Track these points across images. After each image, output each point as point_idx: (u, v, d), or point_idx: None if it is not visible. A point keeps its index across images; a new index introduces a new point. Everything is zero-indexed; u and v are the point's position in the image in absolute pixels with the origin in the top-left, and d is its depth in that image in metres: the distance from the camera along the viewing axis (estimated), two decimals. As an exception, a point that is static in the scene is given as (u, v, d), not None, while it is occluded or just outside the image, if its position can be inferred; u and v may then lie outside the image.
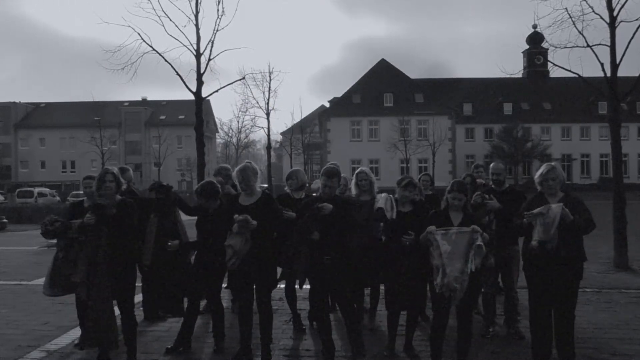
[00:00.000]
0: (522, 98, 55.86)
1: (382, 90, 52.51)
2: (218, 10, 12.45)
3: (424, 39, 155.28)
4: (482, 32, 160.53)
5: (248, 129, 60.71)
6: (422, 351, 5.18)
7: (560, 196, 4.79)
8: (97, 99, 58.38)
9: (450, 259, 4.55)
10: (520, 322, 5.76)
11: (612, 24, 10.26)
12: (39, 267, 5.44)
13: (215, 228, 5.08)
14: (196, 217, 5.44)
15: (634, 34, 10.17)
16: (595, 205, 6.55)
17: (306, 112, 65.38)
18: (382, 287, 5.67)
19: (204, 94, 12.24)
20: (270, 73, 45.90)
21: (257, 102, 52.24)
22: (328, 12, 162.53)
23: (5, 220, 23.43)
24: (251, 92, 62.15)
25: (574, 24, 10.45)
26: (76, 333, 5.78)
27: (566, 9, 10.49)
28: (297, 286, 6.04)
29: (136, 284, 5.16)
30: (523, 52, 59.45)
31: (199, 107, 12.00)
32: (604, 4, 10.32)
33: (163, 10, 12.39)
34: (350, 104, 52.88)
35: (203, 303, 6.15)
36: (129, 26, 12.42)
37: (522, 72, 52.05)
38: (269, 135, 47.78)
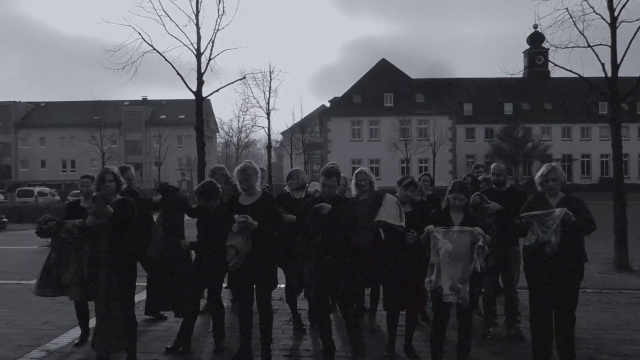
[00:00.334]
0: (523, 98, 55.84)
1: (383, 90, 52.50)
2: (219, 10, 12.43)
3: (424, 39, 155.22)
4: (483, 32, 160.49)
5: (248, 128, 60.79)
6: (422, 351, 5.17)
7: (561, 197, 4.79)
8: (97, 99, 58.47)
9: (453, 259, 4.55)
10: (521, 322, 5.75)
11: (613, 24, 10.26)
12: (39, 267, 5.43)
13: (216, 228, 5.07)
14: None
15: (635, 34, 10.17)
16: (595, 206, 6.54)
17: (306, 111, 65.47)
18: (381, 287, 5.67)
19: (204, 94, 12.22)
20: (270, 73, 45.99)
21: (258, 102, 52.23)
22: (328, 12, 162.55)
23: (5, 220, 23.44)
24: (251, 92, 62.27)
25: (574, 24, 10.46)
26: (76, 332, 5.78)
27: (567, 9, 10.49)
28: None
29: (136, 284, 5.15)
30: (524, 52, 59.44)
31: (200, 107, 11.97)
32: (605, 4, 10.32)
33: (164, 10, 12.37)
34: (350, 104, 52.88)
35: (203, 303, 6.16)
36: (130, 25, 12.39)
37: (522, 72, 52.05)
38: (269, 134, 47.83)
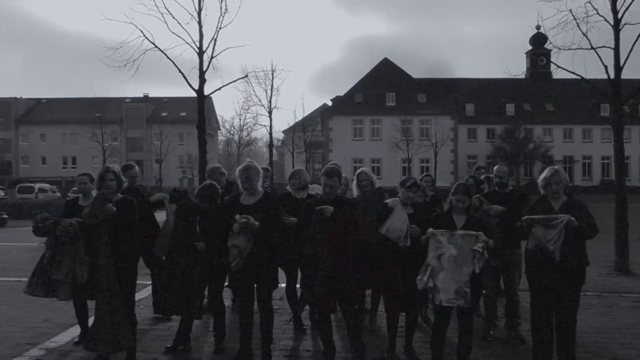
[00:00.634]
0: (525, 99, 55.77)
1: (385, 89, 52.45)
2: (221, 8, 12.43)
3: (426, 38, 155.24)
4: (484, 31, 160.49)
5: (250, 126, 60.77)
6: (423, 353, 5.16)
7: (564, 200, 4.77)
8: (98, 95, 58.44)
9: (458, 264, 4.54)
10: (521, 325, 5.73)
11: (617, 26, 10.24)
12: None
13: (217, 228, 5.06)
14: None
15: (638, 36, 10.14)
16: (596, 208, 6.53)
17: (308, 110, 65.52)
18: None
19: (206, 92, 12.22)
20: (272, 71, 45.98)
21: (260, 100, 52.27)
22: (329, 11, 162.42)
23: (5, 216, 23.42)
24: (253, 90, 62.33)
25: (578, 26, 10.43)
26: (76, 331, 5.78)
27: (570, 10, 10.48)
28: (298, 285, 6.07)
29: (137, 282, 5.15)
30: (526, 53, 59.39)
31: (201, 105, 11.97)
32: (609, 6, 10.29)
33: (166, 7, 12.42)
34: (352, 103, 52.83)
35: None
36: (131, 23, 12.40)
37: (525, 73, 51.99)
38: (271, 133, 47.88)
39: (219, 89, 12.84)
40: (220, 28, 12.23)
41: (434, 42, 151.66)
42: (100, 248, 4.70)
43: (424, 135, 50.67)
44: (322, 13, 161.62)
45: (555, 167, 4.88)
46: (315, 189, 6.12)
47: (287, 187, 6.29)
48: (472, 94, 55.99)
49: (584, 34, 10.38)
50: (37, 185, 42.56)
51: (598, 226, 4.69)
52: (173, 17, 12.26)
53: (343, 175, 6.33)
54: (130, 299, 5.16)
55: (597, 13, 10.30)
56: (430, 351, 4.92)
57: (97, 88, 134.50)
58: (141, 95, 68.20)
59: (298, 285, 6.08)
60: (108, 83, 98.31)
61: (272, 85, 47.64)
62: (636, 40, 10.20)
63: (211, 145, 64.54)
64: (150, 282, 6.89)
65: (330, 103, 59.91)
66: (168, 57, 12.37)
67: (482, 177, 6.81)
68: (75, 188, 5.41)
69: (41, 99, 69.09)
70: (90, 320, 5.25)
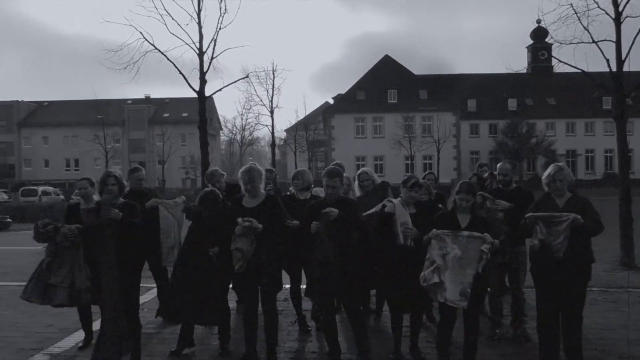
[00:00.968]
0: (527, 93, 55.64)
1: (386, 86, 52.36)
2: (220, 8, 12.44)
3: (426, 35, 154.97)
4: (485, 27, 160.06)
5: (252, 126, 60.80)
6: (429, 353, 5.13)
7: (568, 196, 4.74)
8: (100, 97, 58.58)
9: (462, 265, 4.50)
10: (527, 323, 5.70)
11: (618, 19, 10.17)
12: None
13: (219, 231, 5.03)
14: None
15: (640, 29, 10.07)
16: (600, 202, 6.47)
17: (310, 109, 65.41)
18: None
19: (207, 93, 12.20)
20: (273, 71, 45.99)
21: (261, 100, 52.28)
22: (329, 8, 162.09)
23: (8, 220, 23.44)
24: (255, 90, 62.26)
25: (579, 19, 10.39)
26: (80, 336, 5.75)
27: (571, 4, 10.42)
28: (303, 286, 6.05)
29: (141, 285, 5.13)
30: (527, 47, 59.23)
31: (203, 107, 11.95)
32: (609, -1, 10.23)
33: (165, 9, 12.38)
34: (354, 101, 52.77)
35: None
36: (131, 25, 12.39)
37: (526, 67, 51.85)
38: (273, 133, 47.91)
39: (220, 89, 12.86)
40: (220, 29, 12.23)
41: (434, 38, 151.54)
42: (105, 253, 4.68)
43: (426, 131, 50.59)
44: (322, 11, 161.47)
45: (559, 163, 4.84)
46: (318, 193, 6.08)
47: (290, 188, 6.26)
48: (474, 90, 55.87)
49: (585, 28, 10.34)
50: (40, 188, 42.58)
51: (603, 222, 4.65)
52: (172, 19, 12.26)
53: (345, 175, 6.32)
54: (135, 303, 5.16)
55: (598, 6, 10.25)
56: (436, 351, 4.88)
57: (98, 90, 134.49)
58: (142, 96, 68.20)
59: (303, 286, 6.08)
60: (109, 84, 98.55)
61: (273, 85, 47.76)
62: (638, 33, 10.13)
63: (213, 146, 64.53)
64: (153, 285, 6.88)
65: (332, 101, 59.91)
66: (168, 59, 12.37)
67: (486, 175, 6.77)
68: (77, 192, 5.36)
69: (43, 101, 69.16)
70: (95, 325, 5.24)
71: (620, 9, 10.13)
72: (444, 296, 4.58)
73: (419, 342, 5.21)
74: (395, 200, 5.14)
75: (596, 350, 5.24)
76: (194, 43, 11.95)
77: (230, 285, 5.53)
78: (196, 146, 16.02)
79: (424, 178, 7.12)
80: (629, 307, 6.93)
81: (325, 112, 56.95)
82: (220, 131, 72.03)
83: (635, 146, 49.02)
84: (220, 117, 71.34)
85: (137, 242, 5.01)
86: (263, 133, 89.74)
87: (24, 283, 5.22)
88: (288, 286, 6.15)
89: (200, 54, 11.90)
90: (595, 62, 10.92)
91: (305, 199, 5.87)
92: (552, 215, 4.54)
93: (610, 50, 10.35)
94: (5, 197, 40.72)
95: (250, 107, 56.66)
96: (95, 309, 5.16)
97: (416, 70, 55.96)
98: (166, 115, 65.09)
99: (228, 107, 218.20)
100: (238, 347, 5.24)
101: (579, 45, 10.69)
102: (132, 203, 4.89)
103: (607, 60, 10.26)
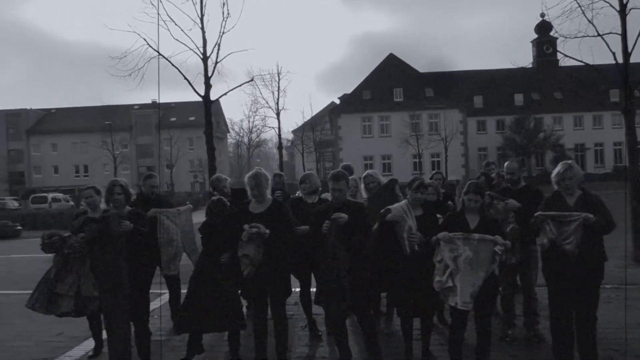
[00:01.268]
0: (533, 88, 55.22)
1: (392, 85, 52.20)
2: (223, 13, 12.43)
3: (430, 32, 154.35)
4: (488, 22, 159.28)
5: (259, 128, 60.88)
6: (441, 356, 5.08)
7: (578, 194, 4.67)
8: (107, 103, 58.88)
9: (474, 267, 4.44)
10: (540, 323, 5.63)
11: (623, 11, 10.06)
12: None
13: (227, 238, 5.00)
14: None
15: (646, 21, 9.96)
16: (610, 196, 6.37)
17: (316, 109, 65.47)
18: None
19: (212, 97, 12.21)
20: (278, 73, 46.05)
21: (267, 102, 52.37)
22: (332, 8, 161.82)
23: (19, 228, 23.57)
24: (260, 93, 62.40)
25: (583, 13, 10.28)
26: (90, 344, 5.75)
27: (575, -3, 10.31)
28: (313, 289, 6.01)
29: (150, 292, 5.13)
30: (532, 42, 58.83)
31: (208, 111, 11.96)
32: (614, -9, 10.11)
33: (168, 15, 12.39)
34: (360, 100, 52.66)
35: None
36: (135, 32, 12.42)
37: (531, 62, 51.50)
38: (279, 135, 47.96)
39: (225, 94, 12.88)
40: (223, 33, 12.23)
41: (438, 36, 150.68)
42: (117, 262, 4.69)
43: (434, 129, 50.37)
44: (324, 11, 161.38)
45: (569, 161, 4.77)
46: (327, 197, 6.05)
47: (298, 192, 6.23)
48: (480, 86, 55.55)
49: (589, 21, 10.23)
50: (50, 195, 42.86)
51: (614, 218, 4.57)
52: (176, 24, 12.28)
53: (352, 177, 6.27)
54: (144, 311, 5.16)
55: (602, -1, 10.13)
56: (448, 354, 4.83)
57: (105, 95, 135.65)
58: (149, 101, 68.47)
59: (313, 289, 6.04)
60: (117, 89, 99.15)
61: (278, 87, 47.76)
62: (644, 25, 10.02)
63: (221, 149, 64.66)
64: (163, 292, 6.86)
65: (338, 101, 59.84)
66: (173, 65, 12.38)
67: (494, 174, 6.70)
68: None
69: (50, 109, 69.66)
70: (104, 334, 5.23)
71: (625, 1, 10.02)
72: (455, 300, 4.52)
73: (431, 344, 5.15)
74: (401, 203, 5.08)
75: (612, 350, 5.16)
76: (197, 48, 11.98)
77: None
78: (204, 149, 16.06)
79: (431, 178, 7.07)
80: (644, 304, 6.82)
81: (331, 112, 56.89)
82: (228, 134, 72.17)
83: (644, 139, 48.52)
84: (227, 120, 71.49)
85: (146, 249, 5.01)
86: (270, 135, 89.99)
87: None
88: (298, 289, 6.11)
89: (204, 58, 11.90)
90: (601, 55, 10.81)
91: (313, 203, 5.83)
92: (562, 214, 4.48)
93: (616, 43, 10.23)
94: (16, 204, 41.03)
95: (257, 110, 56.80)
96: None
97: (421, 68, 55.82)
98: (173, 119, 65.28)
99: (235, 110, 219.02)
100: (248, 354, 5.20)
101: (584, 39, 10.57)
102: (138, 211, 4.90)
103: (614, 54, 10.14)
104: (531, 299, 5.69)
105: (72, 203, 41.97)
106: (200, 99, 12.45)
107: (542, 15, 41.70)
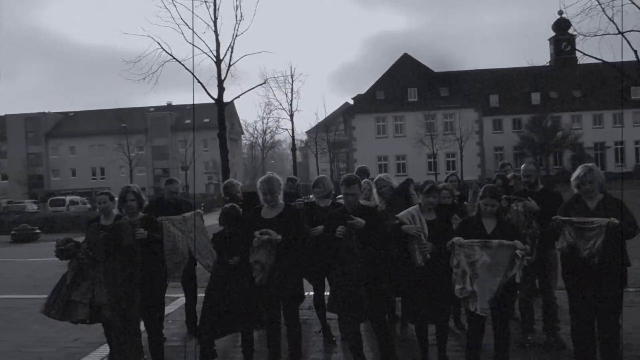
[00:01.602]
0: (551, 86, 54.53)
1: (406, 85, 51.91)
2: (236, 16, 12.52)
3: (445, 31, 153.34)
4: (505, 20, 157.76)
5: (273, 130, 60.97)
6: (458, 362, 4.98)
7: (599, 198, 4.54)
8: (123, 106, 59.43)
9: (492, 272, 4.34)
10: (561, 328, 5.48)
11: (645, 8, 9.86)
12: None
13: (239, 244, 4.96)
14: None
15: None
16: (631, 196, 6.20)
17: (330, 110, 65.38)
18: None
19: (226, 99, 12.22)
20: (292, 75, 46.08)
21: (280, 104, 52.43)
22: (345, 8, 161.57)
23: (37, 231, 23.79)
24: (274, 95, 62.49)
25: (603, 10, 10.13)
26: (105, 350, 5.74)
27: (595, -5, 10.13)
28: (326, 293, 5.94)
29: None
30: (549, 40, 58.13)
31: (221, 114, 11.98)
32: (636, -12, 9.93)
33: (182, 18, 12.44)
34: (374, 101, 52.45)
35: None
36: (149, 36, 12.50)
37: (549, 61, 50.91)
38: (293, 137, 47.94)
39: (238, 96, 12.92)
40: (236, 36, 12.26)
41: (453, 35, 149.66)
42: (133, 268, 4.68)
43: (449, 129, 49.96)
44: (338, 11, 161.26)
45: (589, 164, 4.63)
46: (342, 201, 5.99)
47: (311, 196, 6.18)
48: (496, 85, 55.03)
49: (610, 19, 10.07)
50: (67, 198, 43.34)
51: (637, 223, 4.44)
52: (189, 28, 12.32)
53: (365, 179, 6.20)
54: (158, 317, 5.14)
55: (624, -4, 9.95)
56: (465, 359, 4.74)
57: (120, 98, 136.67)
58: (164, 103, 69.01)
59: (327, 293, 5.97)
60: (132, 92, 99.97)
61: (292, 89, 47.78)
62: (667, 22, 9.81)
63: (235, 150, 64.95)
64: (177, 296, 6.86)
65: (351, 102, 59.74)
66: (186, 68, 12.48)
67: (509, 175, 6.57)
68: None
69: (68, 112, 70.57)
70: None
71: (647, -2, 9.83)
72: (474, 305, 4.43)
73: (448, 350, 5.04)
74: (410, 209, 4.97)
75: (637, 358, 5.01)
76: (211, 51, 12.01)
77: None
78: (218, 151, 16.13)
79: (446, 180, 6.96)
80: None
81: (345, 113, 56.76)
82: (242, 135, 72.39)
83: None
84: (242, 121, 71.73)
85: (160, 255, 4.99)
86: (284, 136, 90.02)
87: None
88: (312, 293, 6.05)
89: (218, 61, 11.92)
90: (619, 52, 10.61)
91: (326, 207, 5.76)
92: (583, 220, 4.35)
93: (637, 40, 10.05)
94: (35, 207, 41.56)
95: (270, 112, 56.89)
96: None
97: (437, 67, 55.42)
98: (188, 121, 65.69)
99: (249, 111, 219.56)
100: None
101: (604, 37, 10.39)
102: (151, 217, 4.88)
103: (635, 51, 9.96)
104: (551, 304, 5.55)
105: (89, 206, 42.41)
106: (213, 101, 12.47)
107: (560, 12, 41.08)
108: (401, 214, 4.94)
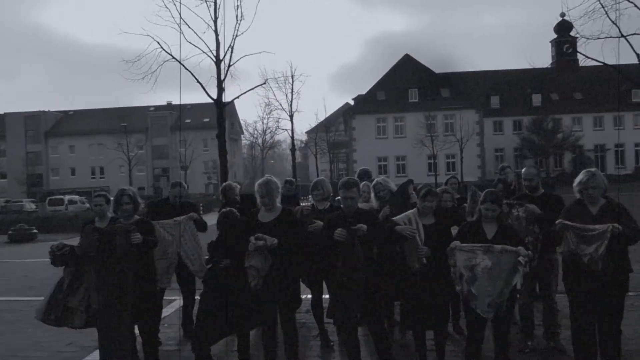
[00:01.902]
0: (552, 88, 54.47)
1: (407, 85, 51.85)
2: (237, 16, 12.54)
3: (446, 32, 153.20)
4: (506, 21, 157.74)
5: (272, 130, 60.92)
6: (457, 368, 4.91)
7: (602, 203, 4.48)
8: (123, 105, 59.34)
9: (493, 277, 4.28)
10: (561, 334, 5.42)
11: (648, 11, 9.80)
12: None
13: (236, 247, 4.89)
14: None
15: (672, 20, 9.70)
16: (631, 198, 6.13)
17: (330, 110, 65.35)
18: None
19: (226, 99, 12.17)
20: (292, 75, 46.04)
21: (280, 105, 52.40)
22: (346, 8, 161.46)
23: (34, 231, 23.63)
24: (274, 95, 62.39)
25: (606, 13, 10.07)
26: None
27: (598, -2, 10.08)
28: (325, 296, 5.87)
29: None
30: (551, 42, 58.07)
31: (220, 115, 11.92)
32: (639, -9, 9.87)
33: (182, 18, 12.38)
34: (374, 101, 52.39)
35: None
36: (148, 35, 12.44)
37: (550, 63, 50.83)
38: (292, 137, 47.93)
39: (238, 97, 12.84)
40: (236, 35, 12.22)
41: (454, 36, 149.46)
42: (122, 273, 4.61)
43: (449, 130, 49.92)
44: (339, 11, 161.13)
45: (592, 169, 4.57)
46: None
47: (309, 198, 6.11)
48: (497, 86, 54.99)
49: (613, 22, 10.02)
50: (66, 197, 43.17)
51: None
52: (189, 27, 12.30)
53: (364, 182, 6.14)
54: (154, 322, 5.08)
55: (627, -1, 9.89)
56: (465, 366, 4.67)
57: (121, 97, 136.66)
58: (165, 102, 68.87)
59: (325, 296, 5.91)
60: (132, 91, 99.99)
61: (292, 89, 47.73)
62: (669, 25, 9.75)
63: (235, 150, 64.87)
64: (174, 298, 6.77)
65: (352, 102, 59.70)
66: (186, 68, 12.44)
67: (510, 177, 6.48)
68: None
69: (68, 111, 70.46)
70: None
71: (650, 0, 9.77)
72: (475, 304, 4.38)
73: (446, 355, 4.98)
74: (407, 213, 4.90)
75: (637, 364, 4.95)
76: (211, 51, 11.95)
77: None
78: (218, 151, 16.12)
79: (446, 183, 6.89)
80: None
81: (345, 113, 56.70)
82: (242, 135, 72.32)
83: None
84: (242, 121, 71.66)
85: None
86: (284, 136, 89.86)
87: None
88: (310, 296, 5.98)
89: (218, 61, 11.86)
90: (622, 54, 10.60)
91: (324, 209, 5.70)
92: (584, 227, 4.29)
93: (639, 43, 10.00)
94: (33, 206, 41.42)
95: (270, 112, 56.82)
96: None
97: (438, 68, 55.38)
98: (188, 120, 65.59)
99: (249, 111, 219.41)
100: (259, 365, 5.09)
101: (606, 39, 10.33)
102: (146, 220, 4.82)
103: (638, 55, 9.89)
104: (551, 309, 5.49)
105: (88, 205, 42.27)
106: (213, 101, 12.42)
107: (562, 15, 41.02)
108: (398, 217, 4.87)
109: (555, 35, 57.02)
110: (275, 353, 4.84)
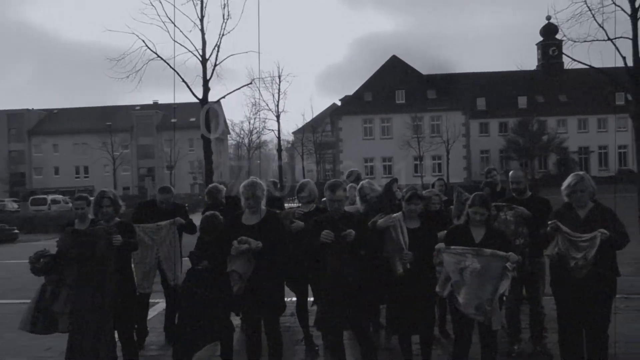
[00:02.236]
0: (537, 91, 54.93)
1: (394, 87, 52.01)
2: (224, 15, 12.28)
3: (433, 34, 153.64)
4: (493, 24, 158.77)
5: (259, 130, 60.67)
6: (443, 373, 4.85)
7: (590, 206, 4.45)
8: (108, 104, 58.67)
9: (481, 280, 4.22)
10: (548, 337, 5.40)
11: (634, 15, 9.89)
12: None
13: (217, 252, 4.78)
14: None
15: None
16: (615, 200, 6.11)
17: (317, 111, 65.24)
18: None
19: (211, 98, 12.04)
20: (279, 76, 45.90)
21: (267, 105, 52.17)
22: (333, 8, 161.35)
23: (16, 231, 23.25)
24: (261, 95, 62.02)
25: (593, 16, 10.12)
26: (79, 359, 5.52)
27: (585, 1, 10.14)
28: (311, 299, 5.80)
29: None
30: (537, 44, 58.56)
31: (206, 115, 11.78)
32: (625, -5, 9.94)
33: (167, 16, 12.22)
34: (361, 102, 52.47)
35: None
36: (133, 33, 12.26)
37: (536, 65, 51.30)
38: (279, 138, 47.75)
39: (224, 97, 12.76)
40: (223, 34, 12.07)
41: (441, 37, 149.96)
42: (107, 275, 4.50)
43: (435, 131, 50.15)
44: (326, 12, 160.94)
45: (580, 172, 4.54)
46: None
47: (296, 201, 6.04)
48: (483, 88, 55.31)
49: (600, 25, 10.06)
50: (49, 197, 42.60)
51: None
52: (175, 26, 12.13)
53: (350, 184, 6.07)
54: (130, 326, 4.99)
55: (614, 3, 9.96)
56: (451, 371, 4.61)
57: (106, 96, 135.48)
58: (151, 102, 68.29)
59: (311, 299, 5.83)
60: (117, 90, 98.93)
61: (279, 89, 47.57)
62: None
63: (221, 150, 64.51)
64: (156, 301, 6.66)
65: (339, 103, 59.69)
66: (171, 67, 12.26)
67: (496, 178, 6.46)
68: (91, 198, 5.15)
69: (52, 109, 69.54)
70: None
71: (637, 4, 9.84)
72: (460, 303, 4.32)
73: (433, 359, 4.92)
74: (392, 216, 4.83)
75: (624, 367, 4.93)
76: (197, 50, 11.80)
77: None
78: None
79: (433, 186, 6.84)
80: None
81: (332, 114, 56.71)
82: (228, 135, 71.93)
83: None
84: (228, 121, 71.21)
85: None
86: (271, 136, 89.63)
87: (28, 301, 4.99)
88: (295, 299, 5.89)
89: (203, 61, 11.73)
90: (606, 57, 10.70)
91: (309, 212, 5.62)
92: (574, 235, 4.26)
93: (626, 47, 10.06)
94: (15, 206, 40.78)
95: (257, 112, 56.55)
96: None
97: (425, 70, 55.59)
98: (174, 120, 65.09)
99: (236, 111, 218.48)
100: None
101: (593, 42, 10.39)
102: (127, 222, 4.72)
103: (624, 58, 9.95)
104: (538, 313, 5.47)
105: (70, 205, 41.69)
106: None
107: (548, 18, 41.57)
108: (381, 220, 4.80)
109: (541, 38, 57.50)
110: (259, 358, 4.74)
